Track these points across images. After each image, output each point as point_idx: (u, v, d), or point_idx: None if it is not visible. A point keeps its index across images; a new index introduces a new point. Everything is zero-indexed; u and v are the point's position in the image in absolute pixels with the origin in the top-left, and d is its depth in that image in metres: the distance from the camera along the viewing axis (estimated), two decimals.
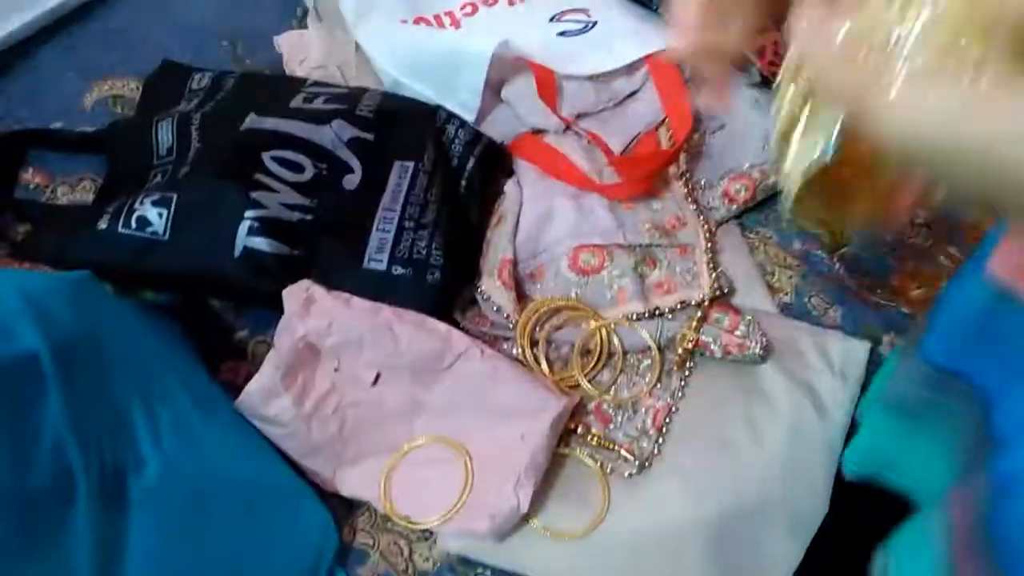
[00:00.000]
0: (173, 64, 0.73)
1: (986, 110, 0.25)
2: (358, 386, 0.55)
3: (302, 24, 0.81)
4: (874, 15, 0.28)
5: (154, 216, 0.58)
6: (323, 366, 0.55)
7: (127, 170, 0.64)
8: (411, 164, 0.64)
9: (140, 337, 0.49)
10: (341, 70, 0.76)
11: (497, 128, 0.72)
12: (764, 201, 0.71)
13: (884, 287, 0.68)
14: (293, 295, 0.56)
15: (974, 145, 0.25)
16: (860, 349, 0.64)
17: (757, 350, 0.60)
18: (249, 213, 0.58)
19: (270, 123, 0.63)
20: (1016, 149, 0.24)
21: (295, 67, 0.77)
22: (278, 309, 0.57)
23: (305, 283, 0.57)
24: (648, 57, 0.72)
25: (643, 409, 0.60)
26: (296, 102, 0.66)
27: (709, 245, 0.66)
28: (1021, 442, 0.38)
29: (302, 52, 0.77)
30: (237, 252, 0.58)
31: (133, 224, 0.57)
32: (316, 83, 0.69)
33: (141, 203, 0.58)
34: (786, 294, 0.68)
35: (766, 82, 0.72)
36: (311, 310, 0.55)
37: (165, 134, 0.64)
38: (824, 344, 0.63)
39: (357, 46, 0.77)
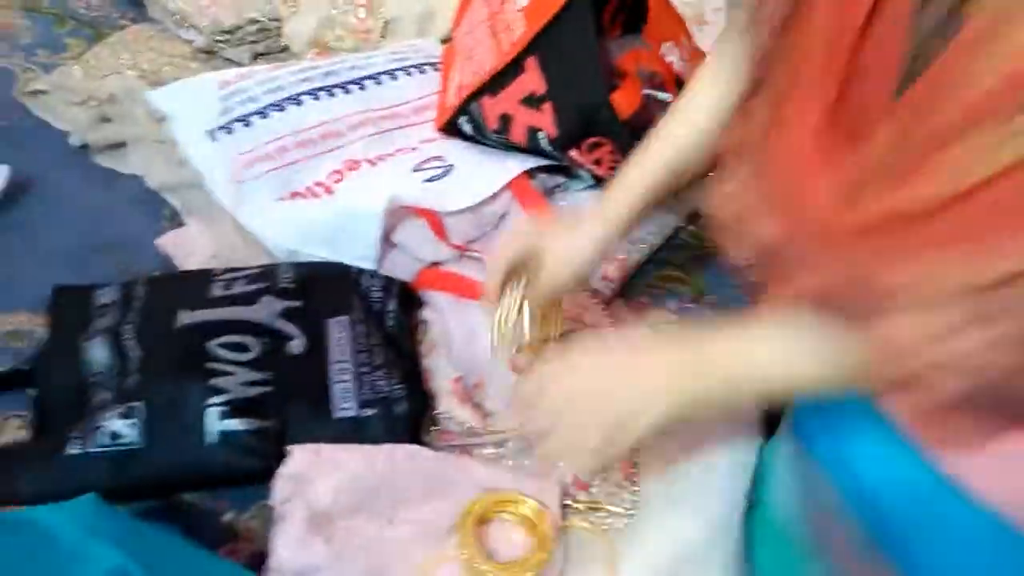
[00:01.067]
0: (66, 288, 0.73)
1: None
2: (377, 525, 0.58)
3: (173, 223, 0.85)
4: None
5: (125, 428, 0.58)
6: (340, 520, 0.58)
7: (63, 396, 0.64)
8: (344, 319, 0.70)
9: (174, 550, 0.49)
10: (233, 255, 0.80)
11: (396, 270, 0.80)
12: (634, 277, 0.85)
13: None
14: (296, 461, 0.58)
15: None
16: None
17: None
18: (214, 400, 0.61)
19: (202, 315, 0.67)
20: None
21: (185, 263, 0.80)
22: (256, 484, 0.60)
23: (308, 447, 0.60)
24: (509, 183, 0.84)
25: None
26: (217, 291, 0.70)
27: (610, 321, 0.78)
28: None
29: (188, 248, 0.81)
30: (214, 439, 0.60)
31: (107, 440, 0.57)
32: (227, 269, 0.73)
33: (106, 419, 0.58)
34: None
35: (598, 182, 0.87)
36: (318, 471, 0.58)
37: (97, 352, 0.65)
38: None
39: (241, 229, 0.82)
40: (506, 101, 0.85)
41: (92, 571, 0.39)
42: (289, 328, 0.68)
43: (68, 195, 0.85)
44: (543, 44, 0.80)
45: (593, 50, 0.76)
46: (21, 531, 0.42)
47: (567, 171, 0.89)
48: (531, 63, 0.82)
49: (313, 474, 0.58)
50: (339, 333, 0.68)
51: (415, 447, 0.62)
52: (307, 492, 0.57)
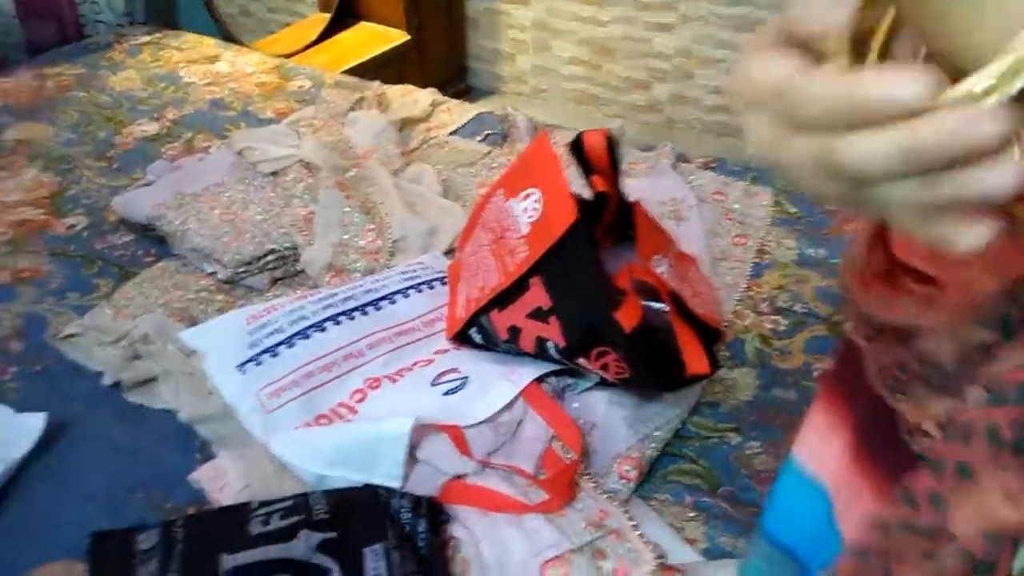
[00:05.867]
0: (104, 534, 0.75)
1: None
2: None
3: (204, 456, 0.88)
4: None
5: None
6: None
7: None
8: (379, 547, 0.72)
9: None
10: (264, 484, 0.83)
11: (420, 486, 0.83)
12: (649, 473, 0.88)
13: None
14: None
15: None
16: None
17: None
18: None
19: (244, 557, 0.69)
20: None
21: (217, 495, 0.82)
22: None
23: None
24: (522, 391, 0.89)
25: None
26: (255, 527, 0.72)
27: (633, 523, 0.80)
28: None
29: (221, 479, 0.84)
30: None
31: None
32: (262, 503, 0.76)
33: None
34: (700, 542, 0.82)
35: (607, 383, 0.92)
36: None
37: None
38: None
39: (271, 457, 0.85)
40: (514, 315, 0.92)
41: None
42: (327, 562, 0.70)
43: (101, 436, 0.89)
44: (546, 265, 0.87)
45: (593, 272, 0.83)
46: None
47: (576, 372, 0.95)
48: (535, 281, 0.89)
49: None
50: (375, 563, 0.70)
51: None
52: None
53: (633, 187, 1.34)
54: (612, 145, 0.97)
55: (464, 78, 2.98)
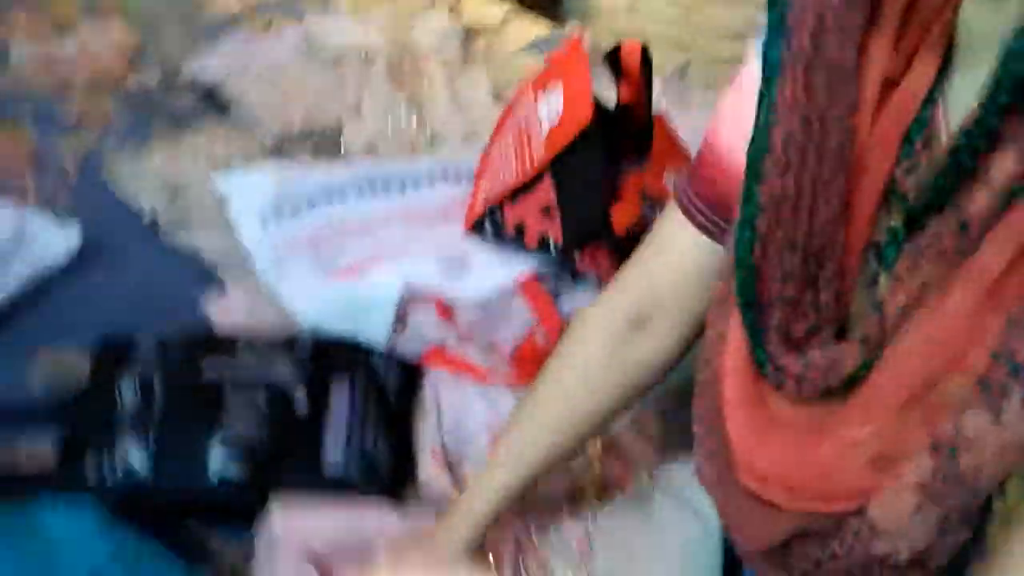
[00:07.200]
0: (114, 337, 0.83)
1: None
2: None
3: (220, 291, 0.96)
4: None
5: (137, 461, 0.67)
6: None
7: (91, 428, 0.73)
8: (347, 380, 0.78)
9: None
10: (263, 323, 0.90)
11: (404, 349, 0.88)
12: None
13: None
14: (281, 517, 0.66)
15: None
16: None
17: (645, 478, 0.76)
18: (219, 447, 0.69)
19: (221, 363, 0.76)
20: None
21: (221, 325, 0.90)
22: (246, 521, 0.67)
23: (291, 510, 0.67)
24: (518, 279, 0.93)
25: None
26: (241, 352, 0.79)
27: None
28: None
29: (228, 313, 0.91)
30: (213, 480, 0.68)
31: (119, 474, 0.66)
32: (254, 336, 0.83)
33: (121, 452, 0.67)
34: None
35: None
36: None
37: (128, 391, 0.74)
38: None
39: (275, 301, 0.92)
40: (522, 210, 0.95)
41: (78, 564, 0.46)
42: (297, 389, 0.76)
43: (131, 261, 0.98)
44: (558, 164, 0.90)
45: (597, 170, 0.85)
46: (14, 520, 0.49)
47: (574, 278, 0.97)
48: (546, 179, 0.92)
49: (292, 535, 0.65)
50: (340, 395, 0.76)
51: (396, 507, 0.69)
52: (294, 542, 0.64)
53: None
54: (646, 58, 0.97)
55: (557, 2, 2.95)
